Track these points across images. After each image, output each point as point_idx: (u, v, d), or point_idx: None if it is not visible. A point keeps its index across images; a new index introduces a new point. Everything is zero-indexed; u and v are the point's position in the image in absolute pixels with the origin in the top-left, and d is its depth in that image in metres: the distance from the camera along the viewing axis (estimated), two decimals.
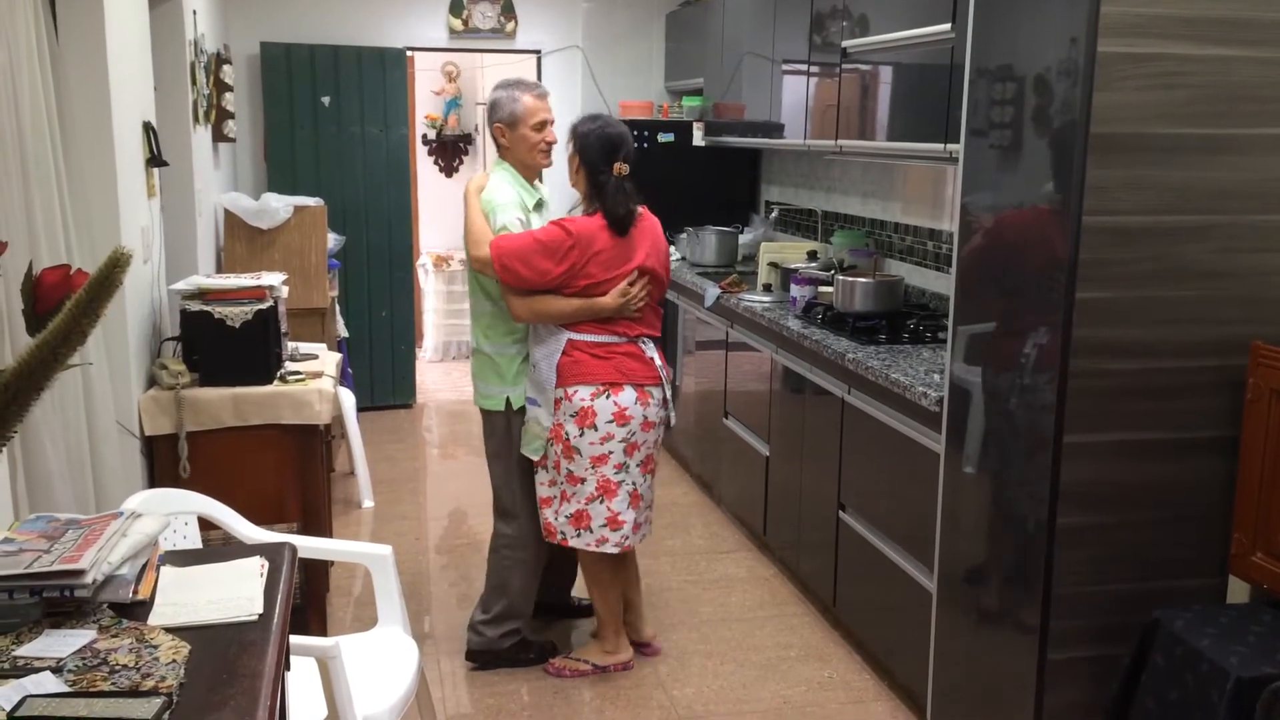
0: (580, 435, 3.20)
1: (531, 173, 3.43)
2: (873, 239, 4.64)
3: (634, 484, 3.28)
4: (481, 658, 3.49)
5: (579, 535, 3.29)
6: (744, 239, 5.61)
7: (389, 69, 6.24)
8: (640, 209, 3.29)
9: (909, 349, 3.49)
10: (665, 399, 3.31)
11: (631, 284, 3.20)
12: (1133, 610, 2.48)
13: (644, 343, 3.28)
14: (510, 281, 3.18)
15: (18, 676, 1.38)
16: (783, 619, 3.86)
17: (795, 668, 3.51)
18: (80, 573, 1.53)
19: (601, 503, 3.25)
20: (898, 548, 3.22)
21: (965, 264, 2.77)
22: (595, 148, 3.23)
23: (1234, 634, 2.26)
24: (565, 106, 6.24)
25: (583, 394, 3.18)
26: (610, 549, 3.29)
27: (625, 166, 3.21)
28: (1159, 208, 2.37)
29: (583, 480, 3.24)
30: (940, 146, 3.33)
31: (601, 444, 3.20)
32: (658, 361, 3.29)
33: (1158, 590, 2.51)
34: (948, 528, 2.87)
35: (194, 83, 4.49)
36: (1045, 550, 2.47)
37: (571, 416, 3.20)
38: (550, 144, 3.38)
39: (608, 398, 3.18)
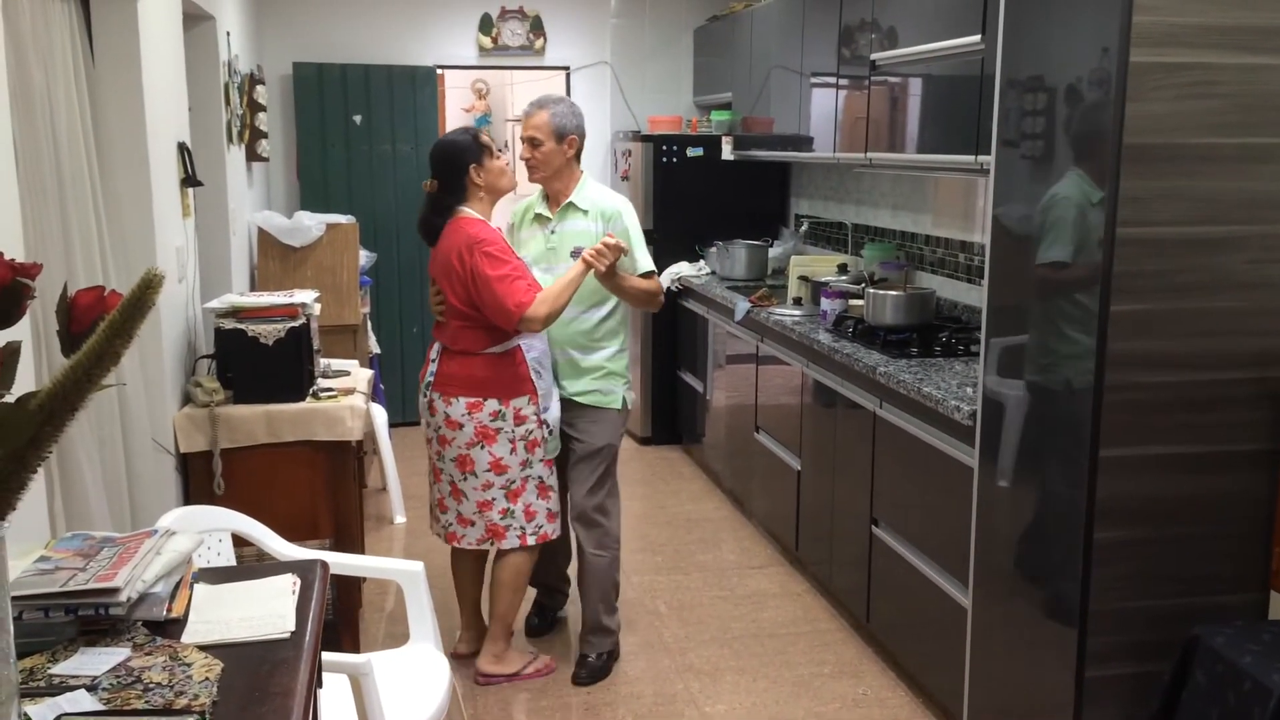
0: None
1: (546, 189, 3.56)
2: (903, 251, 4.61)
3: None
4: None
5: None
6: (774, 252, 5.60)
7: (419, 87, 6.29)
8: (452, 220, 3.33)
9: (941, 362, 3.47)
10: (429, 405, 3.40)
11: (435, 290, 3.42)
12: (1172, 627, 2.44)
13: (440, 349, 3.41)
14: None
15: (53, 695, 1.39)
16: (815, 635, 3.83)
17: (829, 684, 3.48)
18: (115, 591, 1.54)
19: None
20: (932, 563, 3.19)
21: (997, 276, 2.75)
22: None
23: (1277, 651, 2.21)
24: (595, 122, 6.23)
25: None
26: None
27: (433, 183, 3.37)
28: (1193, 218, 2.34)
29: None
30: (971, 158, 3.31)
31: None
32: (431, 369, 3.40)
33: (1197, 606, 2.47)
34: (982, 542, 2.84)
35: (228, 103, 4.54)
36: (1082, 566, 2.44)
37: None
38: (524, 161, 3.50)
39: None
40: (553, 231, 3.49)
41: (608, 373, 3.53)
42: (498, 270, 3.20)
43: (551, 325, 3.30)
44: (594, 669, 3.54)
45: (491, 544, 3.43)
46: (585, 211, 3.46)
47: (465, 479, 3.37)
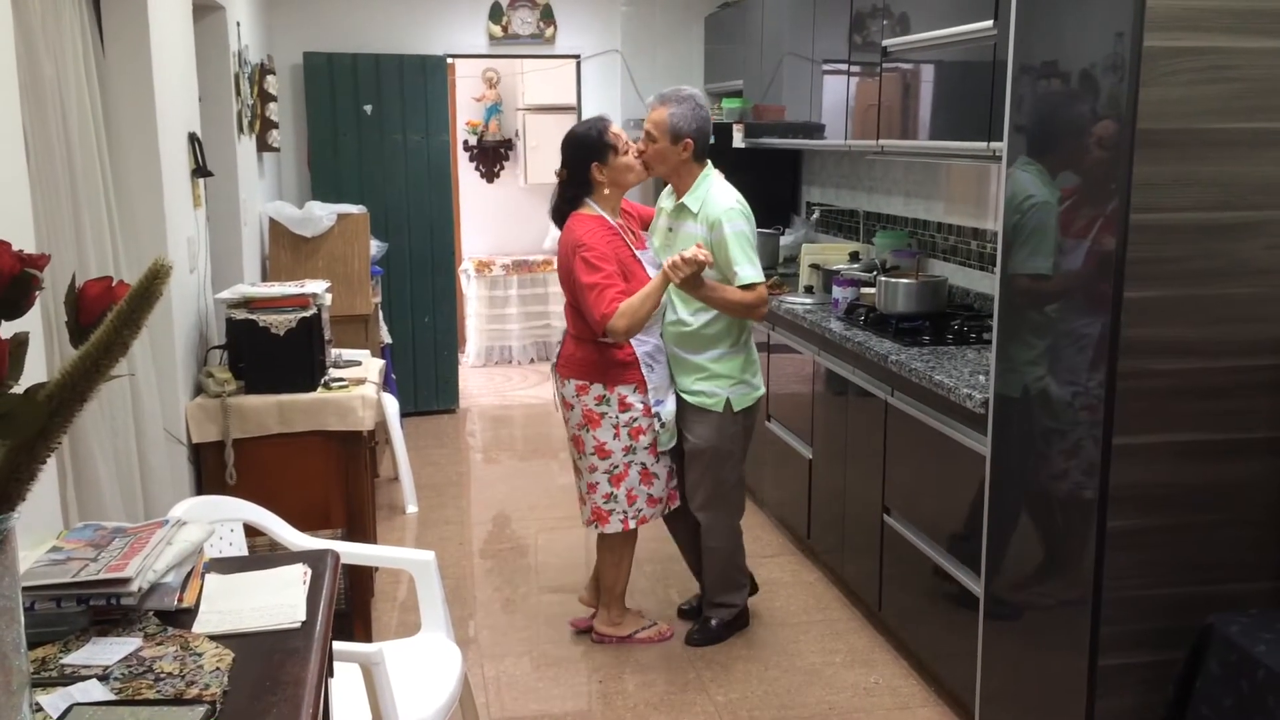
0: None
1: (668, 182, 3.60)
2: (915, 239, 4.59)
3: None
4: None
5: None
6: (785, 241, 5.58)
7: (430, 76, 6.29)
8: (573, 213, 3.45)
9: (953, 350, 3.45)
10: (554, 387, 3.60)
11: None
12: (1186, 615, 2.42)
13: (564, 331, 3.60)
14: None
15: (65, 684, 1.40)
16: (827, 624, 3.83)
17: (840, 673, 3.48)
18: (126, 581, 1.54)
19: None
20: (944, 551, 3.18)
21: (1010, 263, 2.73)
22: None
23: None
24: (605, 110, 6.24)
25: None
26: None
27: (563, 172, 3.48)
28: (1208, 204, 2.32)
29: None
30: (984, 145, 3.29)
31: None
32: (557, 350, 3.62)
33: (1212, 595, 2.46)
34: (995, 531, 2.83)
35: (238, 93, 4.54)
36: (1095, 554, 2.43)
37: None
38: (639, 153, 3.52)
39: None
40: (670, 229, 3.52)
41: (711, 374, 3.49)
42: (591, 278, 3.29)
43: (653, 326, 3.44)
44: (709, 633, 3.71)
45: (596, 526, 3.55)
46: (695, 214, 3.43)
47: (580, 458, 3.54)
